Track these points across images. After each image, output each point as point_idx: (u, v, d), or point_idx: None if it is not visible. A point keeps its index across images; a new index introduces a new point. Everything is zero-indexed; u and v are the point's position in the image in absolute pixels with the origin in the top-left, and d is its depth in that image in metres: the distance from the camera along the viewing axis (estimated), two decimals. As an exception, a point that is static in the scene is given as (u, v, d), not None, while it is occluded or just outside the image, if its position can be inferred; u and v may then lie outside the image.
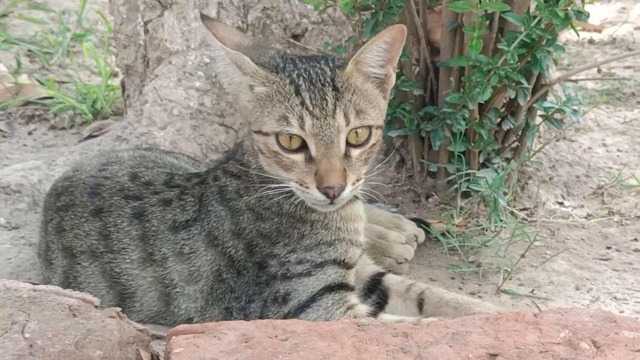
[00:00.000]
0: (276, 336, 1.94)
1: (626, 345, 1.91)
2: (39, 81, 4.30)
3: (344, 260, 2.33)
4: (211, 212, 2.35)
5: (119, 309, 2.01)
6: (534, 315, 2.01)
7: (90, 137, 3.82)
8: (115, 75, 4.36)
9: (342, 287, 2.31)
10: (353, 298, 2.34)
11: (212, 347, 1.90)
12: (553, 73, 3.57)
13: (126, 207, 2.45)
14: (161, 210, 2.41)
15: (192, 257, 2.36)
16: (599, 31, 5.42)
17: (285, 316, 2.26)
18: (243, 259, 2.31)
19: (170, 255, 2.37)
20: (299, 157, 2.19)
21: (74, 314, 1.95)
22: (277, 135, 2.19)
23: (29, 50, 4.68)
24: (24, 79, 4.30)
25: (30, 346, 1.85)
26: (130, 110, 3.52)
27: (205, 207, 2.37)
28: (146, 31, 3.46)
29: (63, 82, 4.39)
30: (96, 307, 1.99)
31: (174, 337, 1.96)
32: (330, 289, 2.29)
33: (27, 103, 4.14)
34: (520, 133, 3.20)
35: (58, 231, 2.51)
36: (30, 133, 3.97)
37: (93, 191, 2.50)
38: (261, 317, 2.26)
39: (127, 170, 2.56)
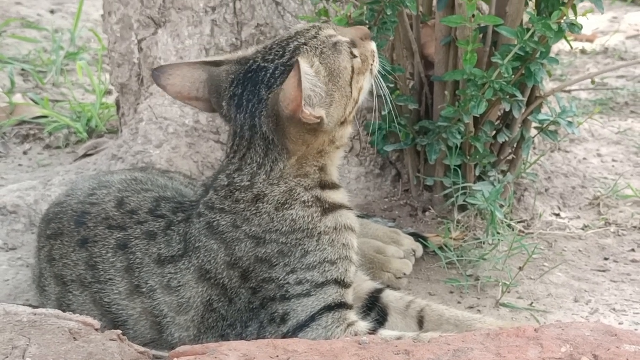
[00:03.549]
0: (277, 356, 1.94)
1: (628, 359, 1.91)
2: (33, 100, 4.30)
3: (344, 280, 2.32)
4: (200, 247, 2.32)
5: (120, 332, 2.00)
6: (535, 330, 2.01)
7: (85, 155, 3.81)
8: (109, 93, 4.36)
9: (342, 306, 2.30)
10: (353, 316, 2.32)
11: (213, 368, 1.90)
12: (547, 84, 3.58)
13: (110, 237, 2.43)
14: (145, 243, 2.39)
15: (180, 290, 2.33)
16: (591, 41, 5.45)
17: (284, 336, 2.24)
18: (237, 287, 2.29)
19: (157, 287, 2.35)
20: None
21: (74, 338, 1.94)
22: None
23: (23, 70, 4.68)
24: (18, 98, 4.29)
25: (31, 371, 1.85)
26: (125, 128, 3.52)
27: (192, 244, 2.34)
28: (140, 49, 3.46)
29: (57, 101, 4.39)
30: (97, 330, 1.99)
31: (175, 359, 1.95)
32: (330, 308, 2.28)
33: (21, 123, 4.13)
34: (515, 145, 3.21)
35: (49, 260, 2.50)
36: (25, 153, 3.96)
37: (79, 220, 2.49)
38: (259, 339, 2.24)
39: (114, 196, 2.53)
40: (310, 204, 2.31)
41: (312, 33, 2.36)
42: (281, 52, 2.33)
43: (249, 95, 2.32)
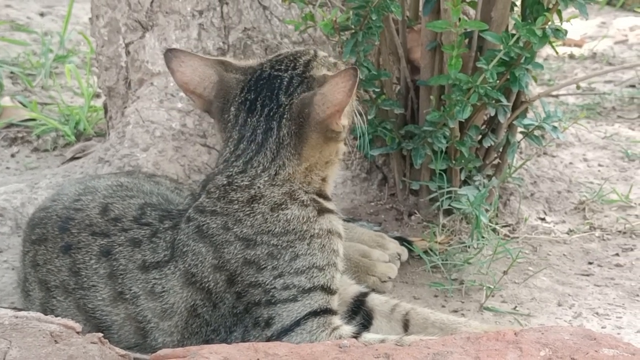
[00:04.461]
0: (258, 359, 1.95)
1: (606, 363, 1.92)
2: (21, 103, 4.30)
3: (330, 287, 2.33)
4: (187, 251, 2.33)
5: (101, 335, 2.00)
6: (515, 333, 2.02)
7: (73, 158, 3.82)
8: (97, 96, 4.36)
9: (327, 311, 2.31)
10: (337, 320, 2.33)
11: (194, 371, 1.91)
12: (533, 89, 3.59)
13: (94, 244, 2.43)
14: (129, 250, 2.39)
15: (164, 296, 2.34)
16: (580, 46, 5.47)
17: (268, 340, 2.25)
18: (222, 291, 2.30)
19: (141, 293, 2.35)
20: None
21: (55, 340, 1.95)
22: None
23: (12, 72, 4.68)
24: (6, 101, 4.29)
25: (12, 373, 1.85)
26: (112, 132, 3.53)
27: (180, 249, 2.35)
28: (127, 53, 3.47)
29: (46, 104, 4.39)
30: (78, 333, 1.99)
31: (156, 361, 1.96)
32: (315, 313, 2.29)
33: (9, 125, 4.13)
34: (501, 150, 3.22)
35: (33, 265, 2.51)
36: (13, 155, 3.96)
37: (63, 226, 2.49)
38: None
39: (99, 202, 2.54)
40: (307, 203, 2.35)
41: (312, 52, 2.48)
42: (293, 64, 2.42)
43: (264, 100, 2.38)
